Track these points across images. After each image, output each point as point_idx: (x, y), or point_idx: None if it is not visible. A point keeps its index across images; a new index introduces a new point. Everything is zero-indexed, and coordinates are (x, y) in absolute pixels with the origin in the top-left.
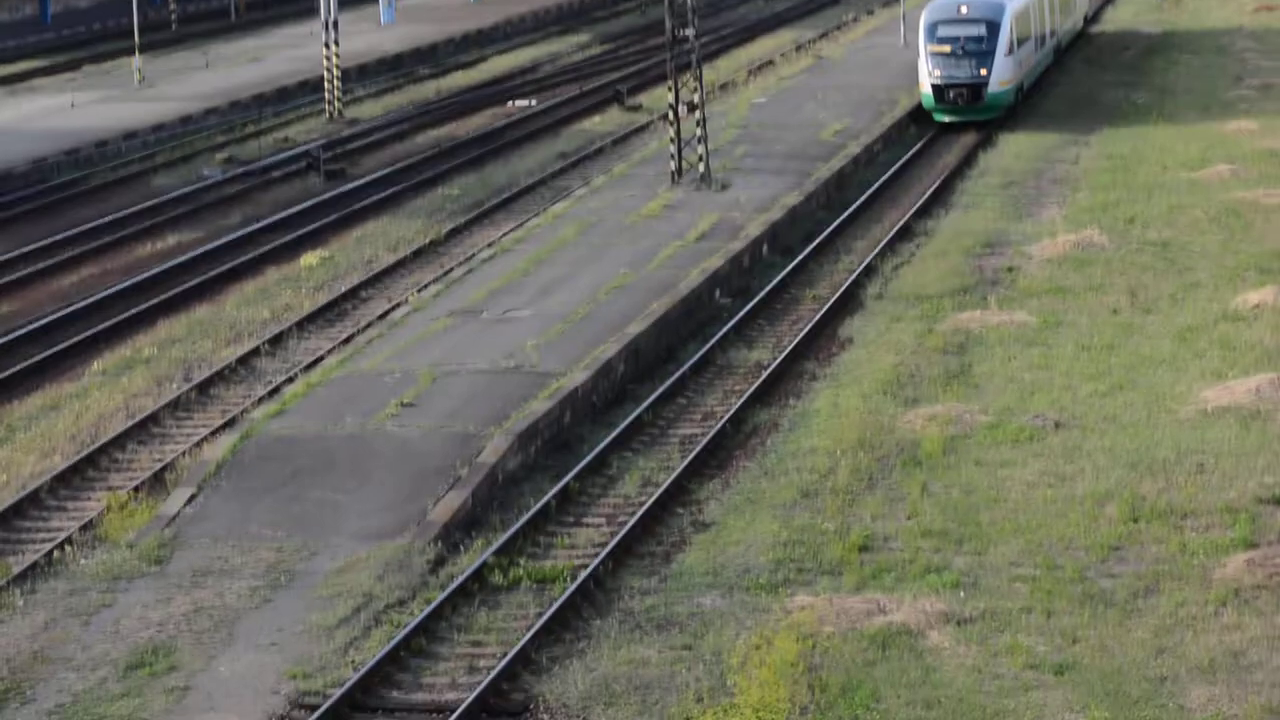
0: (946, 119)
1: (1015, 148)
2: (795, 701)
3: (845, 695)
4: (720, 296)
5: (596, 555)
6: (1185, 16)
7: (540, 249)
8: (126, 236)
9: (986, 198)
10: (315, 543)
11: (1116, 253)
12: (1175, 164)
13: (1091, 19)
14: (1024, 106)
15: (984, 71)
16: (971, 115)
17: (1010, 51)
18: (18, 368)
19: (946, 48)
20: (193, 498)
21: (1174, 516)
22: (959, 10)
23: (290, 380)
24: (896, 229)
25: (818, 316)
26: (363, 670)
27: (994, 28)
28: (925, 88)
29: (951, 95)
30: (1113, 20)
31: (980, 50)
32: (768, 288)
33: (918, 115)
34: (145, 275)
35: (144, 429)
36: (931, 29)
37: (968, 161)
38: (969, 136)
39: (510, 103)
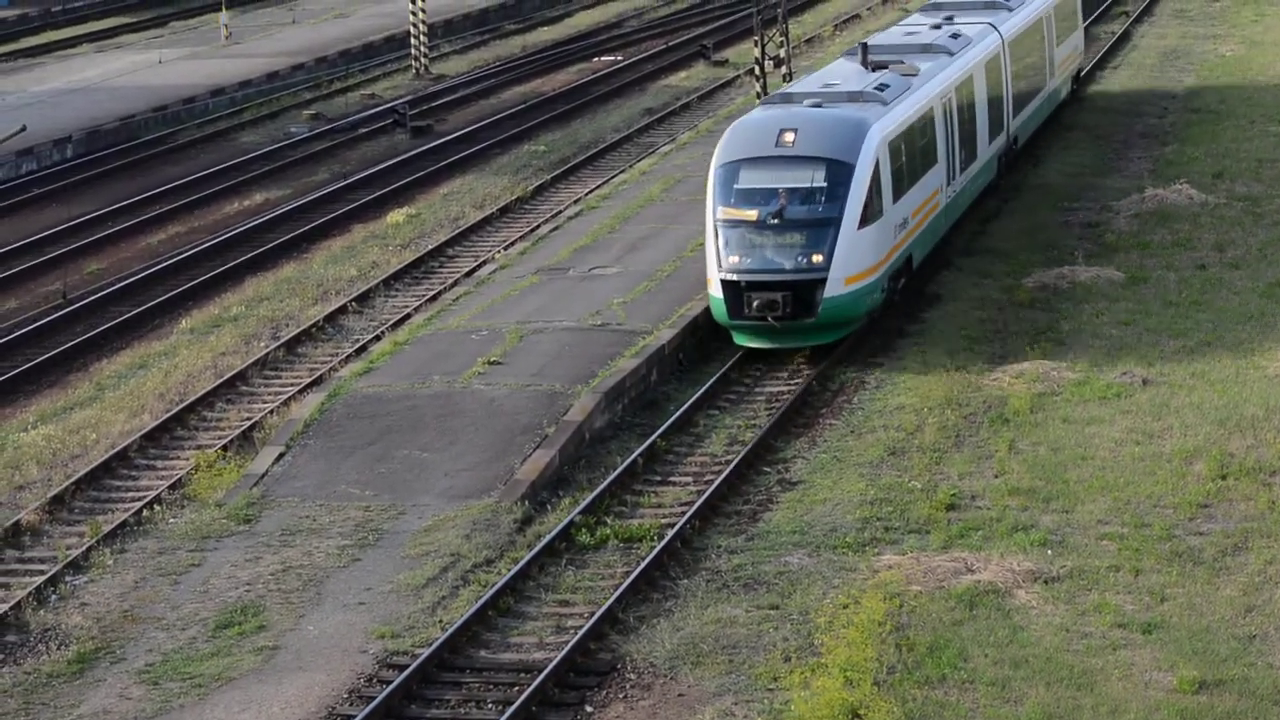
0: (753, 345)
1: (1104, 101)
2: (882, 661)
3: (933, 655)
4: None
5: (683, 514)
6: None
7: (626, 206)
8: (214, 194)
9: (1074, 152)
10: (403, 502)
11: (1204, 207)
12: (1263, 118)
13: (1080, 80)
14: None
15: (818, 258)
16: (796, 340)
17: (873, 214)
18: (107, 326)
19: (752, 213)
20: (281, 456)
21: (1263, 473)
22: (779, 139)
23: (377, 338)
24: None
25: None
26: (451, 630)
27: (842, 172)
28: (714, 286)
29: (756, 303)
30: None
31: (814, 217)
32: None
33: None
34: (232, 233)
35: (232, 387)
36: (729, 175)
37: (1055, 116)
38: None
39: (596, 58)
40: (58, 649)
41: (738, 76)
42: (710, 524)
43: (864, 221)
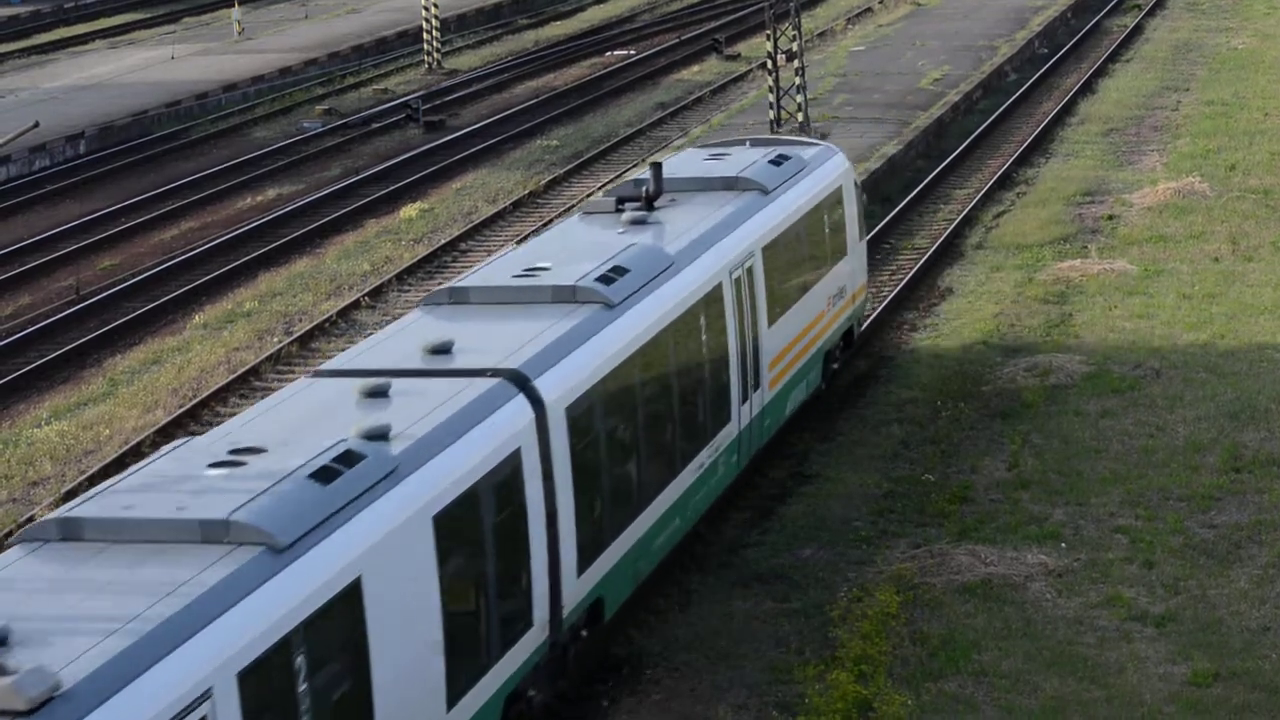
0: None
1: (1116, 95)
2: (896, 654)
3: (946, 648)
4: None
5: None
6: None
7: None
8: (226, 189)
9: (1087, 145)
10: None
11: (1218, 200)
12: (1277, 110)
13: (850, 344)
14: None
15: None
16: None
17: None
18: (120, 321)
19: None
20: None
21: (1275, 466)
22: None
23: None
24: (996, 177)
25: (917, 266)
26: None
27: None
28: None
29: None
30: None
31: None
32: (866, 237)
33: (1018, 63)
34: (245, 228)
35: (245, 383)
36: None
37: (1068, 109)
38: (1070, 79)
39: (608, 53)
40: None
41: (749, 71)
42: (724, 517)
43: None
